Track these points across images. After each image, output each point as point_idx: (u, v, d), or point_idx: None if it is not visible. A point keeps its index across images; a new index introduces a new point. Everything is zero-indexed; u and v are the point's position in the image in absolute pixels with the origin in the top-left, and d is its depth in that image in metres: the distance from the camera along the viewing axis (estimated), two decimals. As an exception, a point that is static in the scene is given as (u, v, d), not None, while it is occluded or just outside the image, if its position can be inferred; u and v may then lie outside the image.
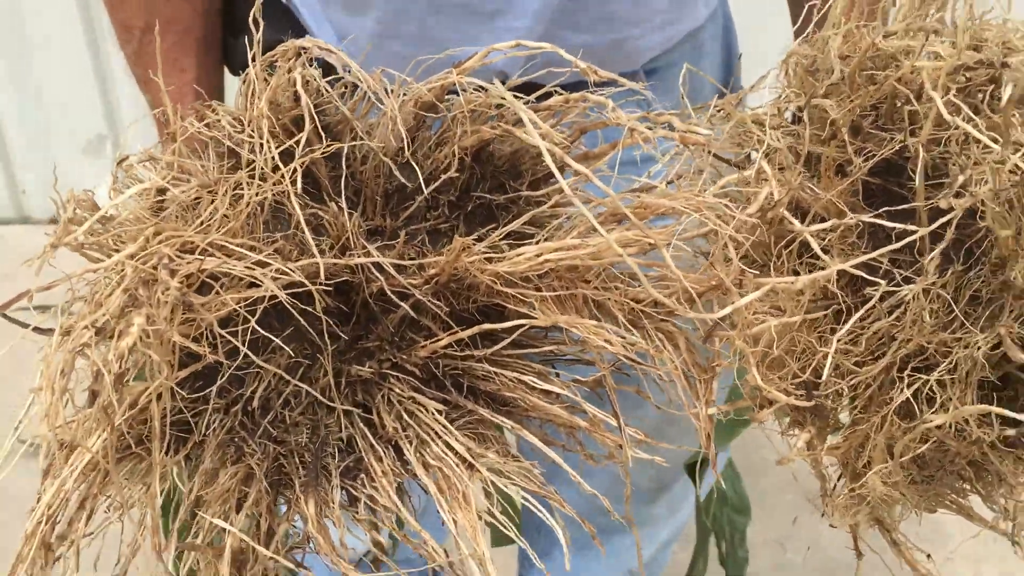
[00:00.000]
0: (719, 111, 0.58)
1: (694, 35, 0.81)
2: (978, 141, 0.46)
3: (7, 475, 0.41)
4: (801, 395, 0.50)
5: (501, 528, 0.52)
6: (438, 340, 0.49)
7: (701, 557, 1.21)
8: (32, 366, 0.41)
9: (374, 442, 0.52)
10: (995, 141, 0.47)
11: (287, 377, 0.47)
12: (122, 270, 0.41)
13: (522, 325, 0.47)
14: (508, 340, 0.47)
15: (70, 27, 2.55)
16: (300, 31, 0.80)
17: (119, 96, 2.65)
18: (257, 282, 0.45)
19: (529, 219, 0.51)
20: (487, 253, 0.49)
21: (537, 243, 0.49)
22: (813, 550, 1.67)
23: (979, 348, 0.47)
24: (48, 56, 2.60)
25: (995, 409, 0.46)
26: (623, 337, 0.47)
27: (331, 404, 0.51)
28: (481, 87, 0.51)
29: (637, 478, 1.08)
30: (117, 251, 0.42)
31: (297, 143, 0.45)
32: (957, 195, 0.47)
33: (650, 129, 0.48)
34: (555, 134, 0.48)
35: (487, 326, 0.48)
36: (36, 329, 0.43)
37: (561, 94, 0.50)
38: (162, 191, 0.45)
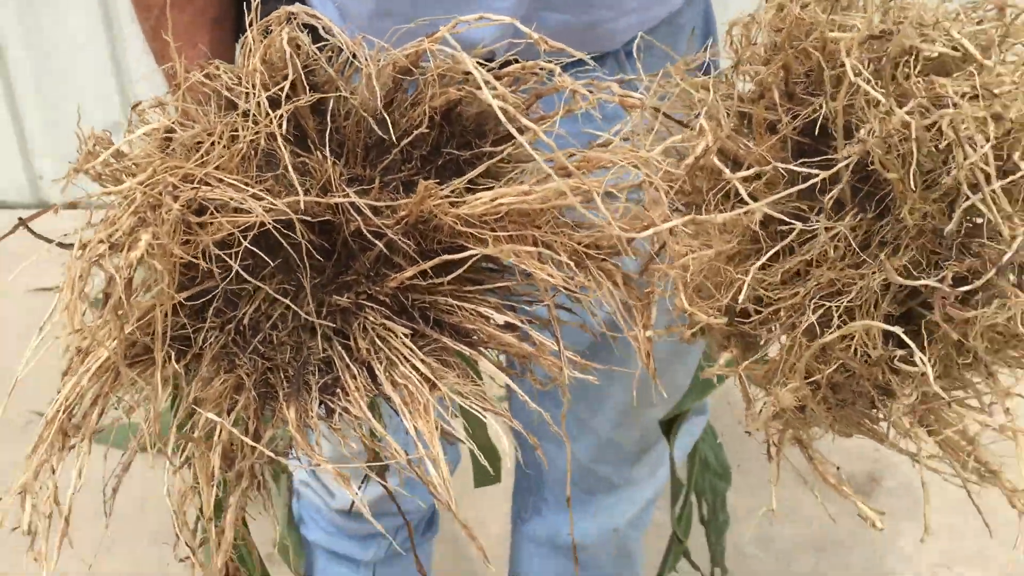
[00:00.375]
0: (671, 77, 0.65)
1: (672, 20, 0.88)
2: (875, 98, 0.53)
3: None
4: (721, 320, 0.57)
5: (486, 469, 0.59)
6: (405, 272, 0.57)
7: (684, 518, 1.28)
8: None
9: (349, 363, 0.59)
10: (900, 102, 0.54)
11: (277, 297, 0.55)
12: (132, 195, 0.49)
13: (475, 256, 0.54)
14: (464, 267, 0.55)
15: (88, 17, 2.63)
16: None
17: (135, 83, 2.73)
18: (248, 217, 0.52)
19: (487, 170, 0.59)
20: (450, 198, 0.56)
21: (493, 189, 0.56)
22: (795, 522, 1.74)
23: (876, 279, 0.54)
24: (66, 45, 2.67)
25: (876, 324, 0.53)
26: (563, 272, 0.54)
27: (313, 327, 0.58)
28: (451, 56, 0.58)
29: (623, 441, 1.16)
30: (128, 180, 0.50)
31: (283, 92, 0.52)
32: (857, 143, 0.54)
33: (592, 93, 0.55)
34: (510, 96, 0.56)
35: (446, 257, 0.55)
36: (59, 244, 0.50)
37: (518, 62, 0.58)
38: (169, 132, 0.53)
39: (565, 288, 0.55)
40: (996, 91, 0.54)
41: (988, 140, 0.50)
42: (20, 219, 0.50)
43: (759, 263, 0.57)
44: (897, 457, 1.86)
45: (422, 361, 0.58)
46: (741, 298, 0.55)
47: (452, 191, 0.57)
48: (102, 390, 0.54)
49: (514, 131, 0.52)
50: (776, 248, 0.57)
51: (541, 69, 0.58)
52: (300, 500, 1.23)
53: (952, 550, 1.69)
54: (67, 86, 2.73)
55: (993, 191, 0.51)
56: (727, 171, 0.57)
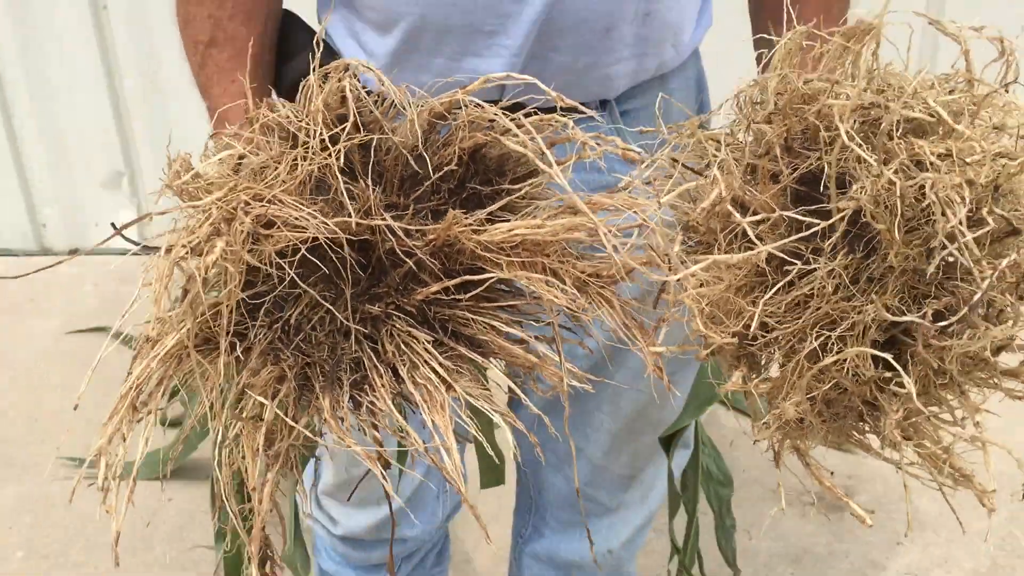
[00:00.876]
0: (687, 131, 0.75)
1: (664, 81, 0.99)
2: (865, 160, 0.62)
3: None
4: (733, 342, 0.66)
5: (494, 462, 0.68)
6: (430, 287, 0.66)
7: (693, 529, 1.37)
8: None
9: (377, 363, 0.68)
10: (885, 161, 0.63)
11: (320, 301, 0.64)
12: (209, 209, 0.59)
13: (493, 278, 0.64)
14: (482, 287, 0.64)
15: (91, 71, 2.76)
16: (331, 54, 0.96)
17: (135, 135, 2.86)
18: (303, 233, 0.62)
19: (506, 204, 0.68)
20: (473, 226, 0.66)
21: (510, 222, 0.66)
22: (774, 538, 1.84)
23: (868, 313, 0.63)
24: (70, 98, 2.80)
25: (867, 350, 0.62)
26: (567, 294, 0.64)
27: (348, 331, 0.68)
28: (479, 104, 0.68)
29: (613, 466, 1.25)
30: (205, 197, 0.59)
31: (342, 131, 0.62)
32: (850, 199, 0.63)
33: (599, 145, 0.65)
34: (529, 142, 0.66)
35: (468, 277, 0.65)
36: (144, 247, 0.60)
37: (537, 114, 0.68)
38: (241, 157, 0.63)
39: (568, 308, 0.65)
40: (968, 159, 0.63)
41: (964, 203, 0.60)
42: (112, 224, 0.60)
43: (768, 296, 0.66)
44: (869, 475, 1.96)
45: (440, 365, 0.67)
46: (754, 325, 0.64)
47: (475, 221, 0.66)
48: (167, 373, 0.64)
49: (550, 168, 0.62)
50: (781, 283, 0.66)
51: (556, 121, 0.68)
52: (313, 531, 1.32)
53: (921, 560, 1.80)
54: (71, 138, 2.85)
55: (966, 242, 0.60)
56: (738, 215, 0.66)
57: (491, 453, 0.70)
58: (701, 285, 0.66)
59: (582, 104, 0.67)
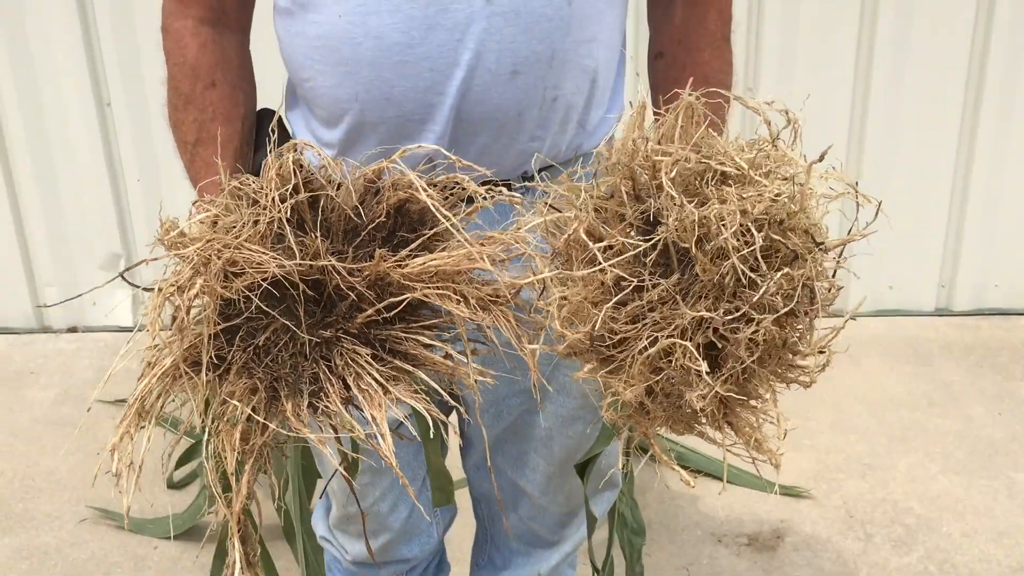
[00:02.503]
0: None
1: (586, 160, 1.16)
2: (674, 197, 0.81)
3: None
4: (585, 341, 0.84)
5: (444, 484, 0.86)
6: (367, 311, 0.85)
7: (607, 571, 1.54)
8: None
9: (330, 375, 0.87)
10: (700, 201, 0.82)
11: (285, 325, 0.83)
12: (192, 256, 0.78)
13: (408, 298, 0.83)
14: (401, 306, 0.83)
15: (94, 163, 3.01)
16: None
17: (133, 220, 3.10)
18: (264, 271, 0.81)
19: (426, 246, 0.88)
20: (398, 262, 0.85)
21: (425, 257, 0.85)
22: (711, 574, 2.02)
23: (685, 317, 0.82)
24: (74, 187, 3.05)
25: (679, 342, 0.80)
26: (468, 309, 0.83)
27: (306, 351, 0.87)
28: (401, 170, 0.88)
29: (550, 505, 1.43)
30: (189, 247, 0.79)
31: (289, 193, 0.82)
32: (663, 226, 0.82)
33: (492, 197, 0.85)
34: (437, 196, 0.85)
35: (391, 300, 0.84)
36: (145, 288, 0.79)
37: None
38: (216, 218, 0.83)
39: (471, 319, 0.84)
40: (745, 195, 0.82)
41: (734, 224, 0.79)
42: (121, 274, 0.79)
43: (609, 305, 0.84)
44: (800, 519, 2.14)
45: (379, 372, 0.86)
46: (597, 326, 0.82)
47: (399, 258, 0.86)
48: (164, 387, 0.82)
49: (447, 215, 0.82)
50: (618, 297, 0.85)
51: (457, 183, 0.88)
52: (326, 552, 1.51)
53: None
54: (72, 223, 3.09)
55: (742, 257, 0.79)
56: (590, 243, 0.85)
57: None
58: (563, 298, 0.85)
59: (506, 178, 0.85)
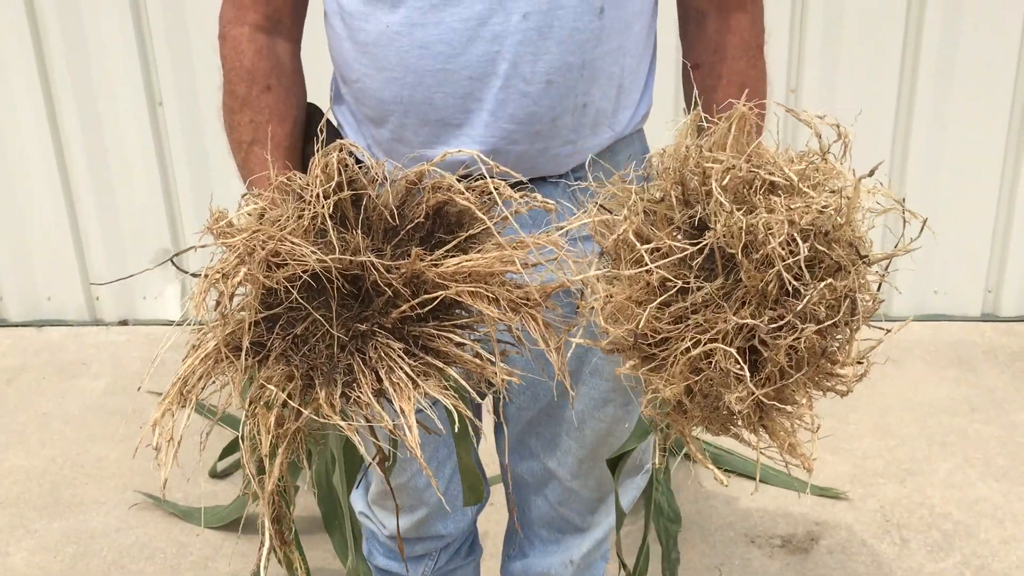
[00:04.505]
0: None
1: (613, 154, 1.22)
2: (723, 203, 0.84)
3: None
4: (628, 339, 0.87)
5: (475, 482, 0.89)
6: (402, 307, 0.89)
7: (643, 558, 1.56)
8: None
9: (363, 367, 0.90)
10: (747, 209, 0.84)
11: (322, 320, 0.87)
12: (238, 246, 0.82)
13: (440, 295, 0.86)
14: (435, 303, 0.86)
15: (146, 161, 3.11)
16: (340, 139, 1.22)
17: (183, 216, 3.19)
18: (305, 264, 0.85)
19: (460, 246, 0.91)
20: (434, 261, 0.89)
21: (460, 257, 0.88)
22: (743, 575, 2.02)
23: (729, 321, 0.84)
24: (127, 184, 3.15)
25: (721, 346, 0.82)
26: (500, 310, 0.86)
27: (342, 343, 0.90)
28: (441, 174, 0.92)
29: (582, 489, 1.46)
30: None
31: (333, 190, 0.86)
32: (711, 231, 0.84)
33: (526, 202, 0.88)
34: (475, 200, 0.88)
35: (424, 297, 0.87)
36: (193, 274, 0.83)
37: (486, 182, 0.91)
38: (263, 211, 0.87)
39: (501, 320, 0.87)
40: (793, 206, 0.84)
41: (783, 234, 0.81)
42: (171, 259, 0.83)
43: (653, 305, 0.86)
44: (834, 522, 2.15)
45: (410, 367, 0.89)
46: (642, 325, 0.84)
47: (434, 257, 0.89)
48: (206, 370, 0.86)
49: (484, 217, 0.85)
50: (663, 297, 0.87)
51: (495, 187, 0.91)
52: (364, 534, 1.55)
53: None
54: (124, 220, 3.19)
55: (787, 266, 0.81)
56: (638, 244, 0.87)
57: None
58: (608, 296, 0.88)
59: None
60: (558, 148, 1.15)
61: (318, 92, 1.30)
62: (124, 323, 3.26)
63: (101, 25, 2.95)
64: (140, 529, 2.26)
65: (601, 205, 0.95)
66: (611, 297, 0.88)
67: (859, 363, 0.90)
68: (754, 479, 2.13)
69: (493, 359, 0.90)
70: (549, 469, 1.43)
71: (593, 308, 0.90)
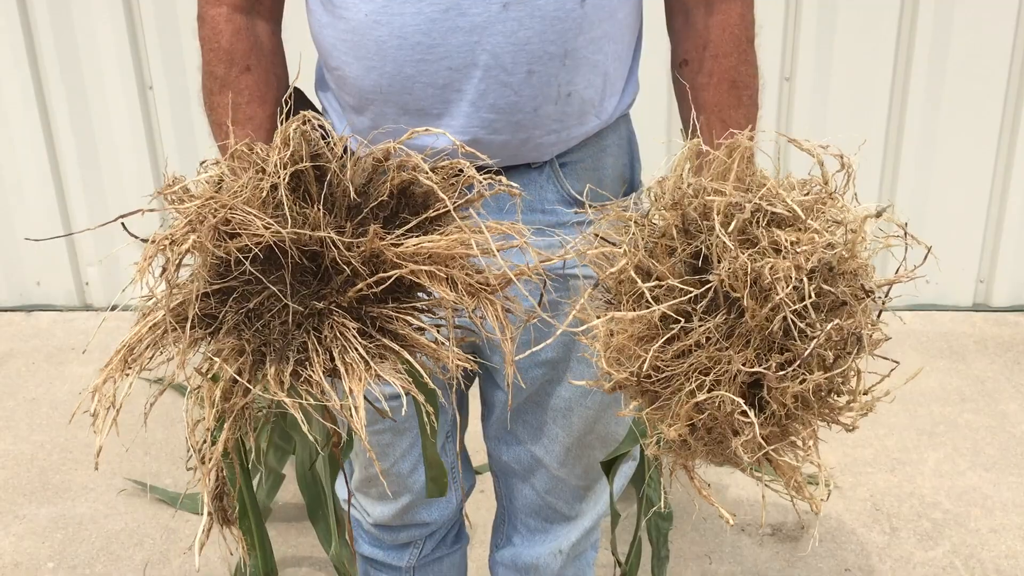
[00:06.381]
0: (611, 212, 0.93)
1: (598, 140, 1.19)
2: (728, 245, 0.81)
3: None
4: (632, 380, 0.83)
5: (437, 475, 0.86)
6: (358, 285, 0.86)
7: (633, 554, 1.53)
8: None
9: (317, 346, 0.88)
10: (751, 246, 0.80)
11: (279, 295, 0.84)
12: (189, 213, 0.80)
13: (396, 273, 0.83)
14: (389, 282, 0.84)
15: (135, 146, 3.11)
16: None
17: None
18: (258, 235, 0.82)
19: (424, 227, 0.89)
20: (393, 241, 0.86)
21: (420, 238, 0.86)
22: (734, 563, 2.02)
23: (735, 362, 0.80)
24: (115, 170, 3.15)
25: (727, 395, 0.79)
26: (456, 292, 0.83)
27: (297, 320, 0.88)
28: (408, 153, 0.89)
29: (569, 477, 1.43)
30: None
31: (292, 159, 0.83)
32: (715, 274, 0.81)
33: (491, 186, 0.86)
34: (438, 180, 0.86)
35: (379, 276, 0.85)
36: (142, 239, 0.81)
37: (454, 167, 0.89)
38: (220, 179, 0.84)
39: (456, 303, 0.84)
40: (799, 249, 0.81)
41: (792, 281, 0.78)
42: (120, 219, 0.81)
43: (656, 345, 0.83)
44: (824, 512, 2.12)
45: (364, 347, 0.87)
46: (645, 367, 0.81)
47: (394, 236, 0.87)
48: (153, 339, 0.84)
49: (446, 199, 0.83)
50: (667, 336, 0.83)
51: (461, 169, 0.88)
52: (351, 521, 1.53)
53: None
54: (113, 204, 3.19)
55: (796, 312, 0.78)
56: (639, 281, 0.84)
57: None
58: (610, 334, 0.85)
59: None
60: (541, 137, 1.13)
61: (304, 77, 1.28)
62: (113, 308, 3.26)
63: (91, 8, 2.95)
64: (129, 515, 2.24)
65: (601, 236, 0.92)
66: (612, 335, 0.85)
67: (864, 395, 0.87)
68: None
69: (447, 344, 0.88)
70: (536, 457, 1.40)
71: (595, 349, 0.86)
